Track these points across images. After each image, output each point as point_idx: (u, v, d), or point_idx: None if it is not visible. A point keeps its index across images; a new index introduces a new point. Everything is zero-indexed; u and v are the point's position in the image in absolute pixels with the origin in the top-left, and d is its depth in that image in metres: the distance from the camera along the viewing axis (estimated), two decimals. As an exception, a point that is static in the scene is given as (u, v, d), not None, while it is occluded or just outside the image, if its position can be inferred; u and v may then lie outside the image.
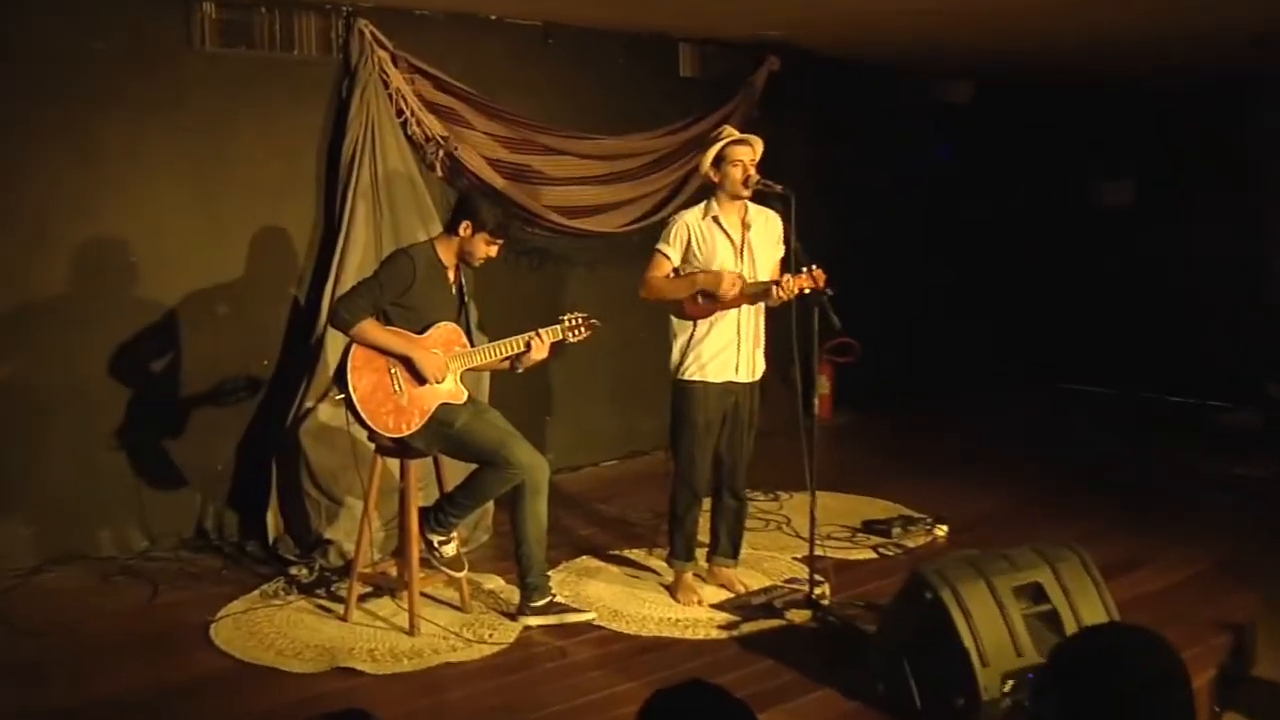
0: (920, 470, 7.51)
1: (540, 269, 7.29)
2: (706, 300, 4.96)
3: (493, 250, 4.75)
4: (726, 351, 5.02)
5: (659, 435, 7.19)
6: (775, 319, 5.17)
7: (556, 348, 4.91)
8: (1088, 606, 4.05)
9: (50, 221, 5.52)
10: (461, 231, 4.69)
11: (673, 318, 5.09)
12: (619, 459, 7.81)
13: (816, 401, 5.16)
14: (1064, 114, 9.94)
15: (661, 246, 5.04)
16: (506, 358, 4.82)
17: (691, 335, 5.02)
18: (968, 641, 3.87)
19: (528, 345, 4.76)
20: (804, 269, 4.80)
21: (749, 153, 4.95)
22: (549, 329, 4.82)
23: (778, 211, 5.05)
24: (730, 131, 5.01)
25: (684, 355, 5.03)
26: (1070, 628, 3.94)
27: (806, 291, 4.78)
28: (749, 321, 5.07)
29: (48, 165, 5.48)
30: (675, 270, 5.05)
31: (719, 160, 4.95)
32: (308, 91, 6.19)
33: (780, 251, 5.11)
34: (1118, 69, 8.60)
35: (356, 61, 6.16)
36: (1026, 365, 10.11)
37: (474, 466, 4.77)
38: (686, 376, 5.03)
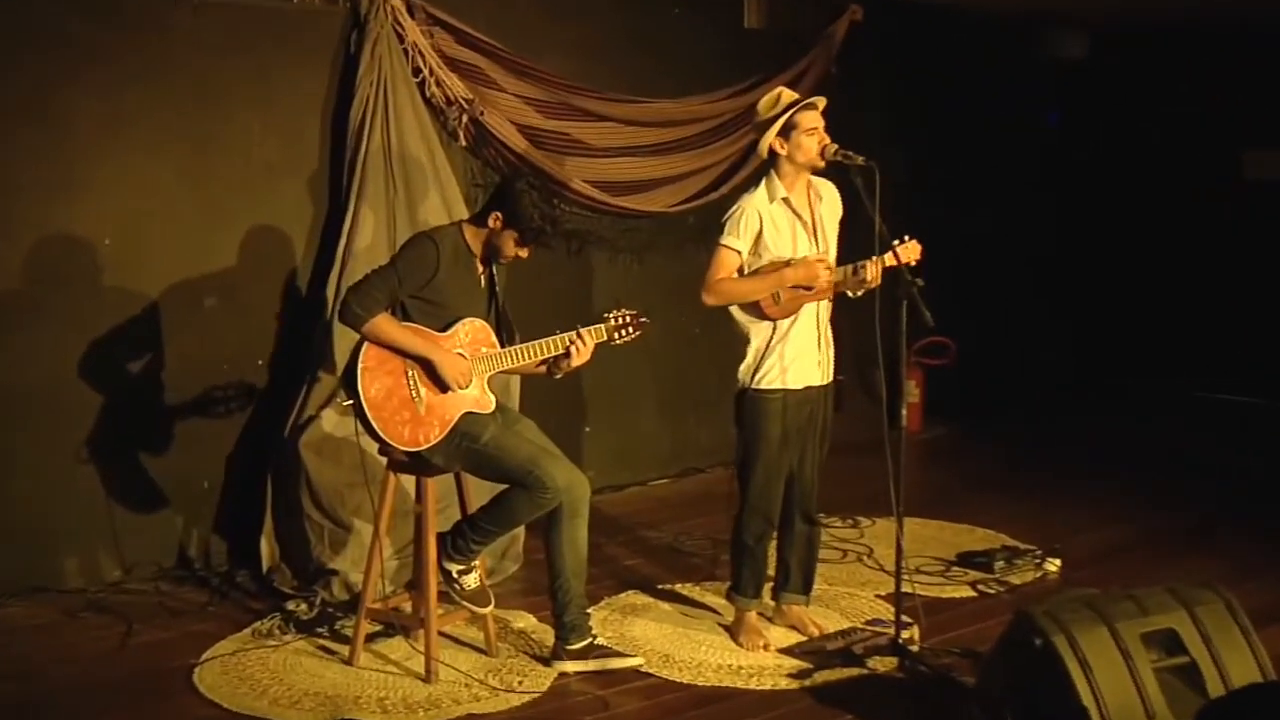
0: (1028, 493, 7.44)
1: (579, 255, 7.29)
2: (790, 295, 4.92)
3: (523, 252, 4.75)
4: (808, 351, 5.01)
5: (717, 449, 7.20)
6: (856, 315, 5.13)
7: (598, 348, 4.89)
8: (1235, 661, 3.97)
9: (13, 203, 5.56)
10: (491, 222, 4.68)
11: (741, 319, 5.05)
12: (670, 477, 7.80)
13: (904, 411, 5.12)
14: (1200, 70, 9.76)
15: (727, 241, 4.98)
16: (542, 361, 4.81)
17: (771, 338, 4.98)
18: (1085, 698, 3.81)
19: (568, 347, 4.75)
20: (892, 244, 4.76)
21: (819, 117, 4.92)
22: (592, 328, 4.80)
23: (857, 188, 4.99)
24: (789, 94, 4.96)
25: (761, 360, 4.99)
26: (1214, 686, 3.87)
27: (899, 265, 4.74)
28: (825, 314, 5.06)
29: (8, 140, 5.51)
30: (741, 267, 5.01)
31: (787, 129, 4.91)
32: (309, 46, 6.22)
33: (837, 231, 5.11)
34: (1269, 13, 8.39)
35: (366, 11, 6.18)
36: (1155, 369, 9.99)
37: (501, 486, 4.77)
38: (765, 385, 4.99)
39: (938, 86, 8.77)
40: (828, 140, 4.88)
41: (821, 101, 4.95)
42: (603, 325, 4.83)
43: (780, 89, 5.04)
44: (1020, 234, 9.50)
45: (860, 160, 4.79)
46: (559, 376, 4.89)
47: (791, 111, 4.90)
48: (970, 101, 8.98)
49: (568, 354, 4.75)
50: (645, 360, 7.35)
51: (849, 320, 5.15)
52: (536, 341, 4.76)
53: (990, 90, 9.14)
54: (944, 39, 8.72)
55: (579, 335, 4.75)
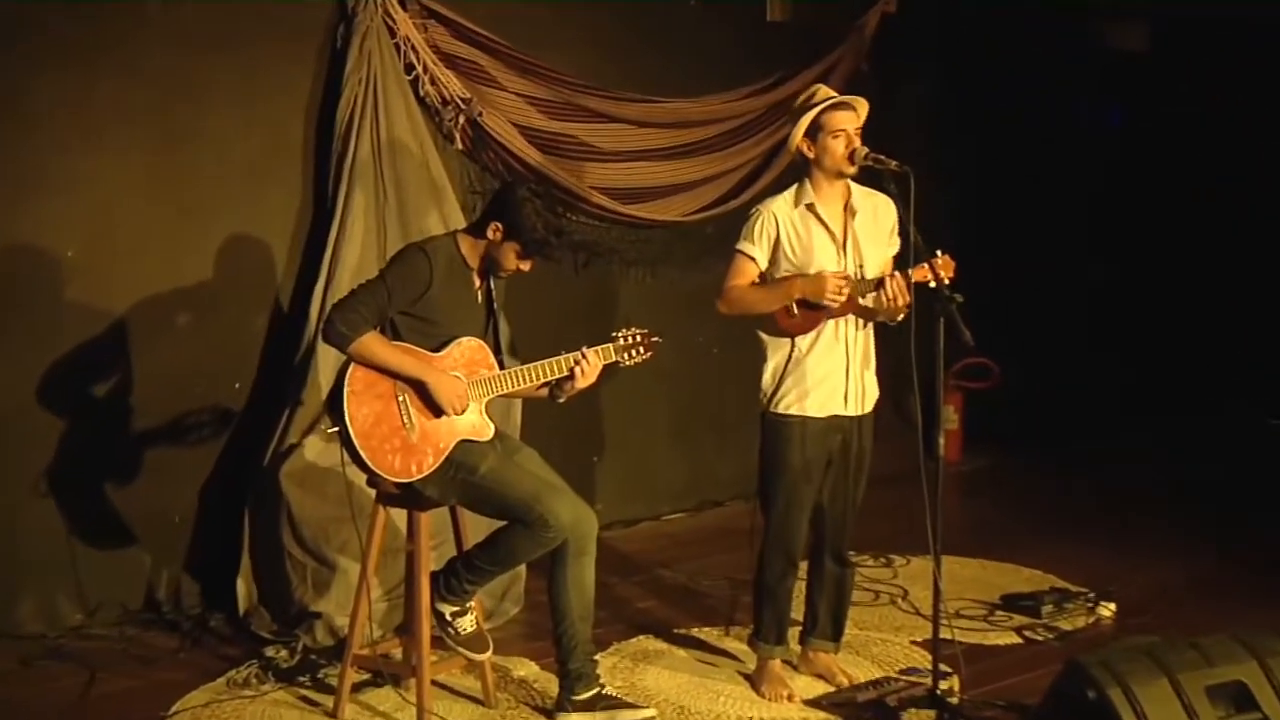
0: (1079, 530, 7.42)
1: (586, 269, 7.28)
2: (806, 310, 4.90)
3: (524, 266, 4.74)
4: (834, 377, 4.97)
5: (739, 481, 7.17)
6: (888, 333, 5.11)
7: (607, 370, 4.87)
8: (1311, 717, 3.95)
9: (-33, 208, 5.59)
10: (490, 233, 4.68)
11: (762, 334, 5.04)
12: (686, 511, 7.80)
13: (942, 439, 5.06)
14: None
15: (743, 247, 4.99)
16: (544, 384, 4.79)
17: (789, 356, 4.96)
18: (1144, 756, 3.78)
19: (573, 370, 4.73)
20: (927, 257, 4.74)
21: (853, 119, 4.89)
22: (599, 348, 4.78)
23: (891, 196, 4.97)
24: (825, 92, 4.96)
25: (779, 381, 4.98)
26: (1289, 745, 3.83)
27: (931, 284, 4.72)
28: (857, 337, 5.02)
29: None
30: (762, 276, 5.00)
31: (814, 130, 4.90)
32: (292, 40, 6.23)
33: (894, 247, 5.06)
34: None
35: (354, 2, 6.20)
36: (1223, 393, 9.92)
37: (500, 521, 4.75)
38: (782, 409, 4.98)
39: (980, 84, 8.76)
40: (858, 144, 4.86)
41: (861, 104, 4.92)
42: (611, 345, 4.81)
43: (818, 86, 5.05)
44: (1071, 245, 9.47)
45: (894, 165, 4.77)
46: (562, 401, 4.88)
47: (819, 110, 4.88)
48: (1017, 100, 8.96)
49: (571, 376, 4.73)
50: (658, 383, 7.33)
51: (881, 340, 5.13)
52: (539, 363, 4.74)
53: (1043, 86, 9.11)
54: (987, 31, 8.71)
55: (584, 355, 4.73)
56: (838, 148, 4.86)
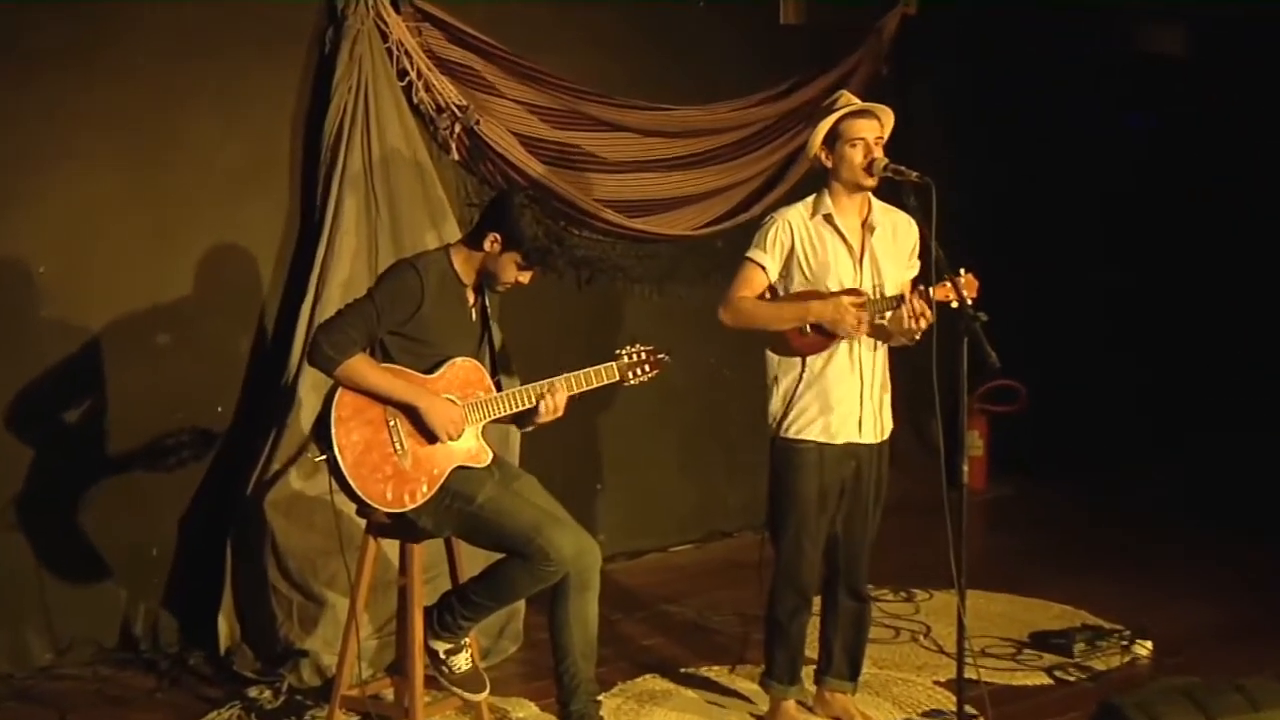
0: (1112, 563, 7.40)
1: (589, 286, 7.29)
2: (819, 331, 4.89)
3: (524, 277, 4.74)
4: (848, 401, 4.95)
5: (749, 511, 7.17)
6: (908, 355, 5.10)
7: (611, 391, 4.86)
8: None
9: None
10: (487, 245, 4.68)
11: (770, 353, 5.03)
12: (694, 543, 7.79)
13: (966, 466, 5.04)
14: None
15: (754, 255, 4.99)
16: (515, 415, 4.81)
17: (800, 377, 4.95)
18: (1183, 805, 3.76)
19: (538, 401, 4.72)
20: (948, 275, 4.72)
21: (874, 128, 4.89)
22: (601, 367, 4.79)
23: (913, 214, 4.96)
24: (848, 99, 4.96)
25: (789, 405, 4.97)
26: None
27: (953, 304, 4.70)
28: (873, 359, 5.01)
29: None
30: (772, 288, 4.99)
31: (833, 138, 4.90)
32: (278, 44, 6.23)
33: (914, 269, 5.05)
34: None
35: (344, 4, 6.20)
36: (1266, 415, 9.88)
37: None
38: (793, 434, 4.97)
39: (1006, 90, 8.76)
40: (878, 154, 4.85)
41: (886, 113, 4.92)
42: (615, 364, 4.82)
43: (842, 92, 5.06)
44: (1101, 259, 9.45)
45: (914, 176, 4.76)
46: (529, 430, 4.89)
47: (839, 117, 4.88)
48: (1045, 107, 8.96)
49: (536, 409, 4.74)
50: (666, 406, 7.33)
51: (900, 360, 5.11)
52: (536, 384, 4.74)
53: (1072, 92, 9.11)
54: (1014, 35, 8.71)
55: (553, 387, 4.72)
56: (855, 157, 4.86)
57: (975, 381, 4.84)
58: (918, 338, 4.88)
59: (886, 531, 5.21)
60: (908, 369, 5.16)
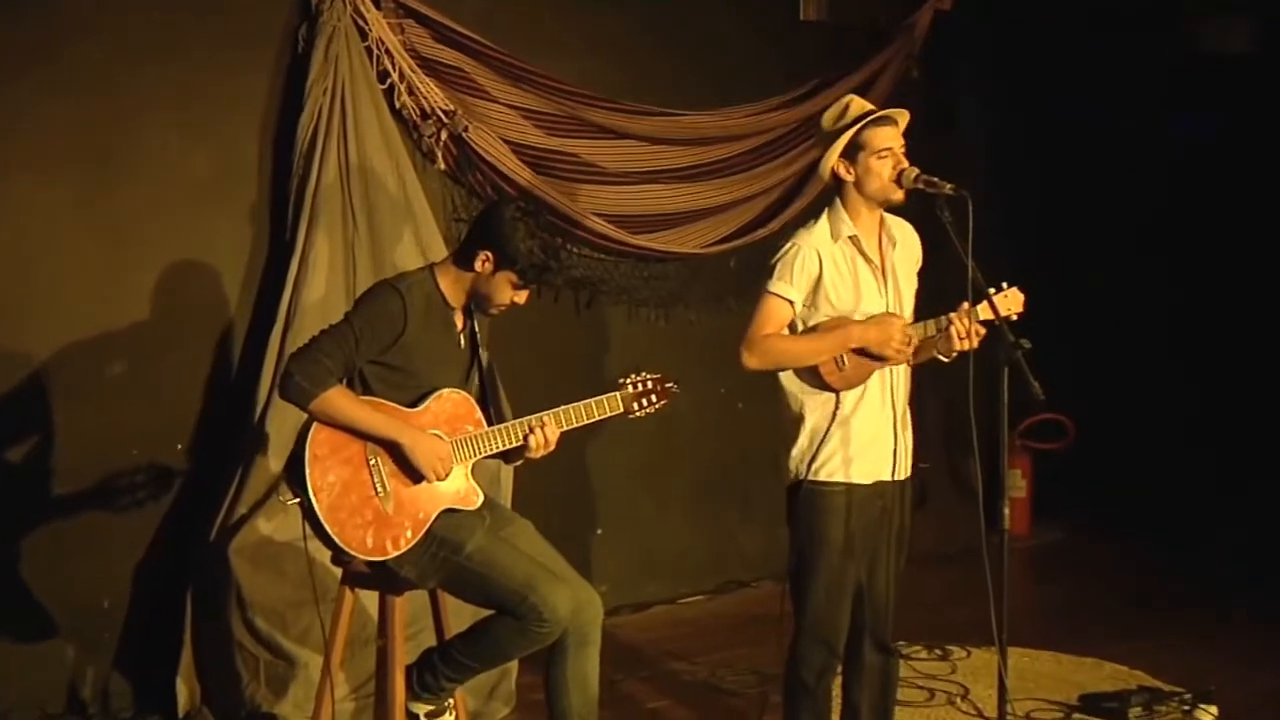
0: (1170, 617, 7.40)
1: (590, 310, 7.30)
2: (858, 361, 4.87)
3: (519, 298, 4.75)
4: (882, 438, 4.95)
5: (767, 558, 7.16)
6: (942, 384, 5.09)
7: (615, 424, 4.86)
8: None
9: None
10: (478, 265, 4.68)
11: (790, 386, 5.01)
12: (706, 594, 7.79)
13: (1007, 510, 5.04)
14: None
15: (777, 288, 4.93)
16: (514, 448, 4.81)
17: (834, 415, 4.93)
18: None
19: (526, 438, 4.73)
20: (987, 294, 4.72)
21: (897, 135, 4.87)
22: (599, 400, 4.80)
23: (945, 223, 4.95)
24: (860, 105, 4.92)
25: (818, 444, 4.94)
26: None
27: (996, 322, 4.70)
28: (901, 389, 5.01)
29: None
30: (795, 322, 4.98)
31: (853, 150, 4.89)
32: (246, 43, 6.25)
33: (915, 283, 5.08)
34: None
35: (319, -1, 6.25)
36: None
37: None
38: (823, 476, 4.94)
39: (1050, 92, 8.77)
40: (906, 164, 4.86)
41: (903, 116, 4.92)
42: (618, 394, 4.83)
43: (850, 98, 5.02)
44: (1158, 280, 9.45)
45: (948, 188, 4.76)
46: (518, 464, 4.90)
47: (859, 127, 4.88)
48: (1095, 110, 8.97)
49: (525, 445, 4.74)
50: (674, 442, 7.34)
51: (933, 391, 5.12)
52: (530, 418, 4.74)
53: (1121, 95, 9.13)
54: (1059, 30, 8.73)
55: (541, 422, 4.73)
56: (884, 169, 4.84)
57: (1017, 416, 4.82)
58: (951, 355, 4.88)
59: (919, 583, 5.21)
60: (940, 401, 5.18)
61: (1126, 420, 9.07)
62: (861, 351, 4.86)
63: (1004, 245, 5.36)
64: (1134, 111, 9.24)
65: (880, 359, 4.85)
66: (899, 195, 4.87)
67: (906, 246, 5.04)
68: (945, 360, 4.95)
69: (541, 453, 4.75)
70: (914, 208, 4.98)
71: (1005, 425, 4.70)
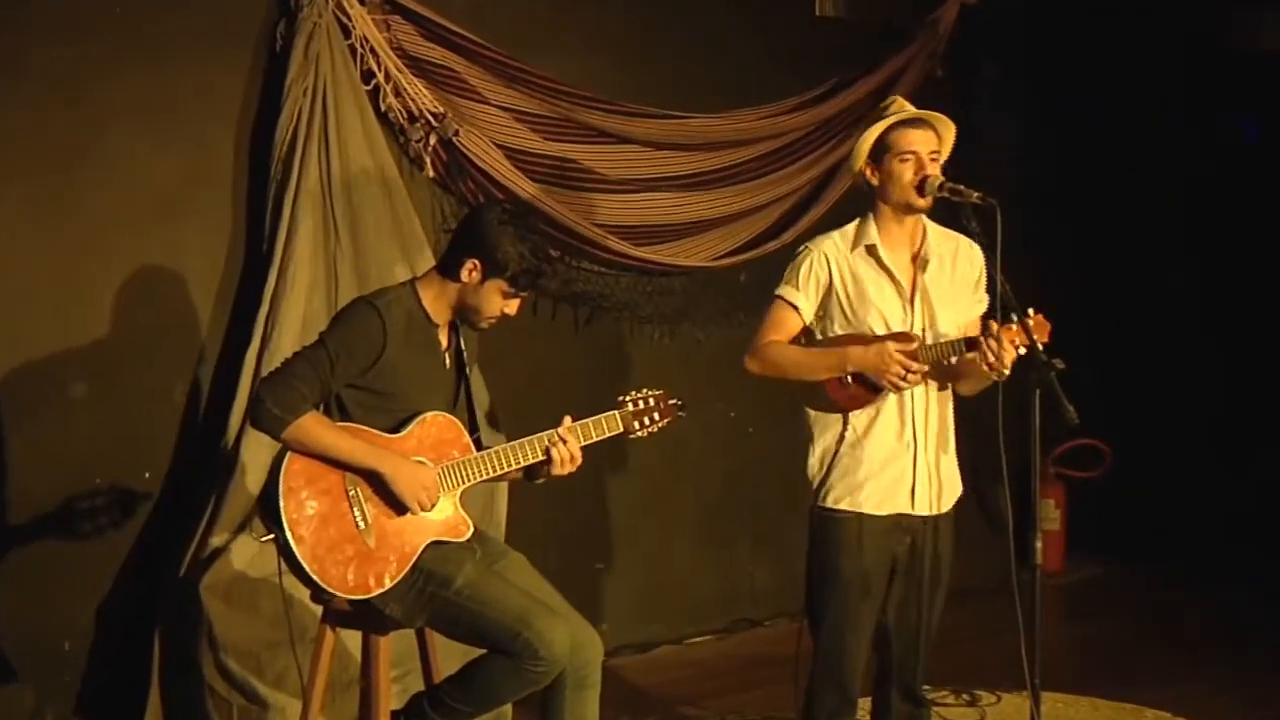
0: (1214, 659, 7.37)
1: (589, 327, 7.30)
2: (862, 384, 4.87)
3: (510, 308, 4.75)
4: (897, 464, 4.95)
5: (780, 594, 7.17)
6: (968, 410, 5.08)
7: (616, 446, 4.84)
8: None
9: None
10: (465, 275, 4.68)
11: (808, 407, 5.01)
12: (716, 633, 7.78)
13: (1039, 543, 5.03)
14: None
15: (785, 292, 4.99)
16: (524, 466, 4.79)
17: (841, 436, 4.94)
18: None
19: (548, 452, 4.72)
20: (1012, 318, 4.71)
21: (929, 140, 4.89)
22: (597, 419, 4.80)
23: (972, 235, 4.94)
24: (900, 105, 4.96)
25: (828, 468, 4.96)
26: None
27: (1023, 350, 4.68)
28: (930, 412, 4.99)
29: None
30: (808, 331, 4.98)
31: (880, 151, 4.90)
32: (220, 40, 6.25)
33: (981, 305, 5.04)
34: None
35: (300, -7, 6.26)
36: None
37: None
38: (831, 503, 4.96)
39: (1083, 92, 8.77)
40: (932, 170, 4.84)
41: (945, 125, 4.90)
42: (618, 412, 4.83)
43: (896, 97, 5.06)
44: (1202, 297, 9.44)
45: (975, 197, 4.76)
46: (541, 482, 4.89)
47: (886, 126, 4.87)
48: (1130, 113, 8.97)
49: (548, 461, 4.72)
50: (681, 469, 7.35)
51: (958, 414, 5.09)
52: (526, 440, 4.75)
53: (1158, 96, 9.13)
54: (1090, 27, 8.74)
55: (560, 437, 4.71)
56: (905, 174, 4.85)
57: (1050, 442, 4.81)
58: (1006, 371, 4.81)
59: (946, 621, 5.18)
60: (968, 426, 5.14)
61: (1168, 445, 9.04)
62: (860, 378, 4.86)
63: (1035, 257, 5.34)
64: (1173, 113, 9.23)
65: (876, 389, 4.85)
66: (922, 203, 4.87)
67: (952, 265, 5.02)
68: (998, 380, 4.87)
69: (569, 469, 4.75)
70: (940, 219, 4.99)
71: (1037, 451, 4.69)
